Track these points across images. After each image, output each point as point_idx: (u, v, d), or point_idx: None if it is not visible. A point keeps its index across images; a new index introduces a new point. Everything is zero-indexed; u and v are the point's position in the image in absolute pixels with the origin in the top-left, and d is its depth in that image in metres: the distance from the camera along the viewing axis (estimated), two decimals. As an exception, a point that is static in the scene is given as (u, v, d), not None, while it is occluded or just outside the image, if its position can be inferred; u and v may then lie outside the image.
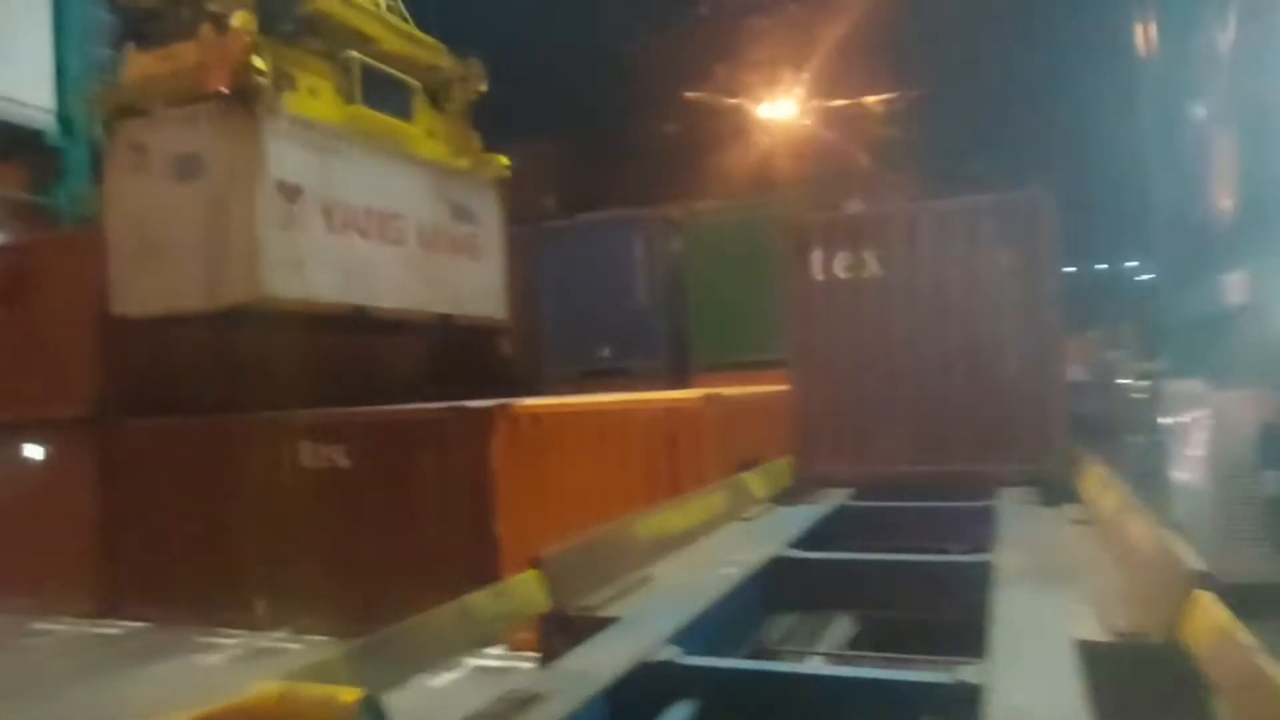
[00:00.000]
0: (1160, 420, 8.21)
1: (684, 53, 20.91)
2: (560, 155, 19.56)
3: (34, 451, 10.24)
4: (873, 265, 5.64)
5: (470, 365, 12.27)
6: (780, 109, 20.61)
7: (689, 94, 20.30)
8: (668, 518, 3.72)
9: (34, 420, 10.13)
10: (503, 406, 7.82)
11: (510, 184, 13.23)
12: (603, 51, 22.31)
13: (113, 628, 9.37)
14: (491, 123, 13.12)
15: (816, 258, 5.76)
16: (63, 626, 9.43)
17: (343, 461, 8.73)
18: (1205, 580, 2.13)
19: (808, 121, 20.73)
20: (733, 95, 20.69)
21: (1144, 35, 9.49)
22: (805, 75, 20.56)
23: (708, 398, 7.15)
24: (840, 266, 5.71)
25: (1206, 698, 2.00)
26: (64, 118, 14.39)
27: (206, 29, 9.04)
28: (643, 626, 2.54)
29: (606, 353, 12.81)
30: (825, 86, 20.69)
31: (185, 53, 9.21)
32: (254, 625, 8.84)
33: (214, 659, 8.11)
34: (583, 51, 22.28)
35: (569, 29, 22.55)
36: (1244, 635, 1.80)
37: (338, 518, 8.70)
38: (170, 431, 9.65)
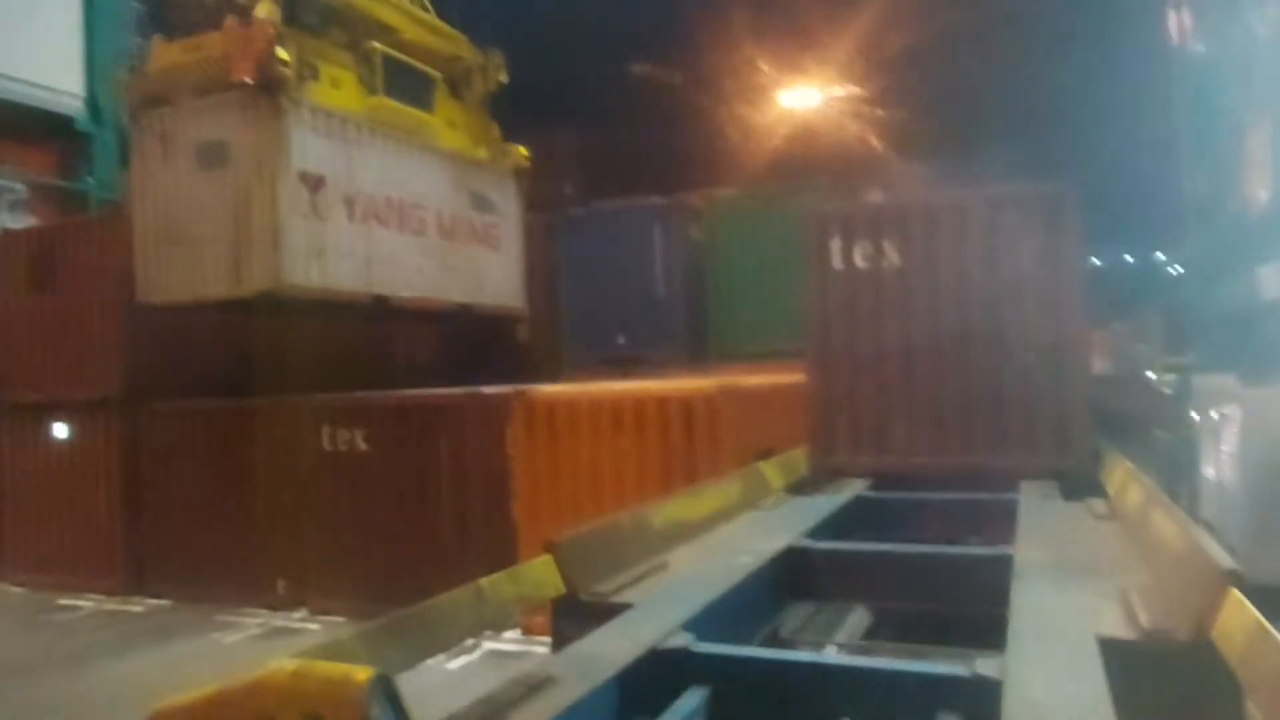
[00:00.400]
0: (1190, 416, 8.05)
1: (709, 40, 20.74)
2: (580, 142, 19.53)
3: (60, 431, 10.45)
4: (893, 256, 5.57)
5: (488, 352, 12.34)
6: (802, 97, 20.41)
7: (712, 81, 20.14)
8: (683, 505, 3.70)
9: (61, 401, 10.33)
10: (520, 392, 7.86)
11: (530, 171, 13.25)
12: (624, 39, 22.18)
13: (136, 605, 9.56)
14: (512, 109, 13.13)
15: (836, 248, 5.69)
16: (88, 603, 9.63)
17: (362, 445, 8.85)
18: (1236, 578, 2.07)
19: (829, 110, 20.51)
20: (754, 83, 20.51)
21: (1177, 23, 9.26)
22: (828, 64, 20.33)
23: (724, 387, 7.13)
24: (860, 257, 5.64)
25: (1236, 698, 1.95)
26: (93, 103, 14.59)
27: (231, 20, 9.16)
28: (656, 613, 2.52)
29: (624, 340, 12.81)
30: (848, 75, 20.45)
31: (210, 43, 9.36)
32: (274, 605, 8.99)
33: (234, 637, 8.25)
34: (604, 39, 22.16)
35: (590, 16, 22.43)
36: (1278, 636, 1.75)
37: (357, 500, 8.84)
38: (193, 413, 9.80)
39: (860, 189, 12.77)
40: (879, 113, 20.17)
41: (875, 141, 19.30)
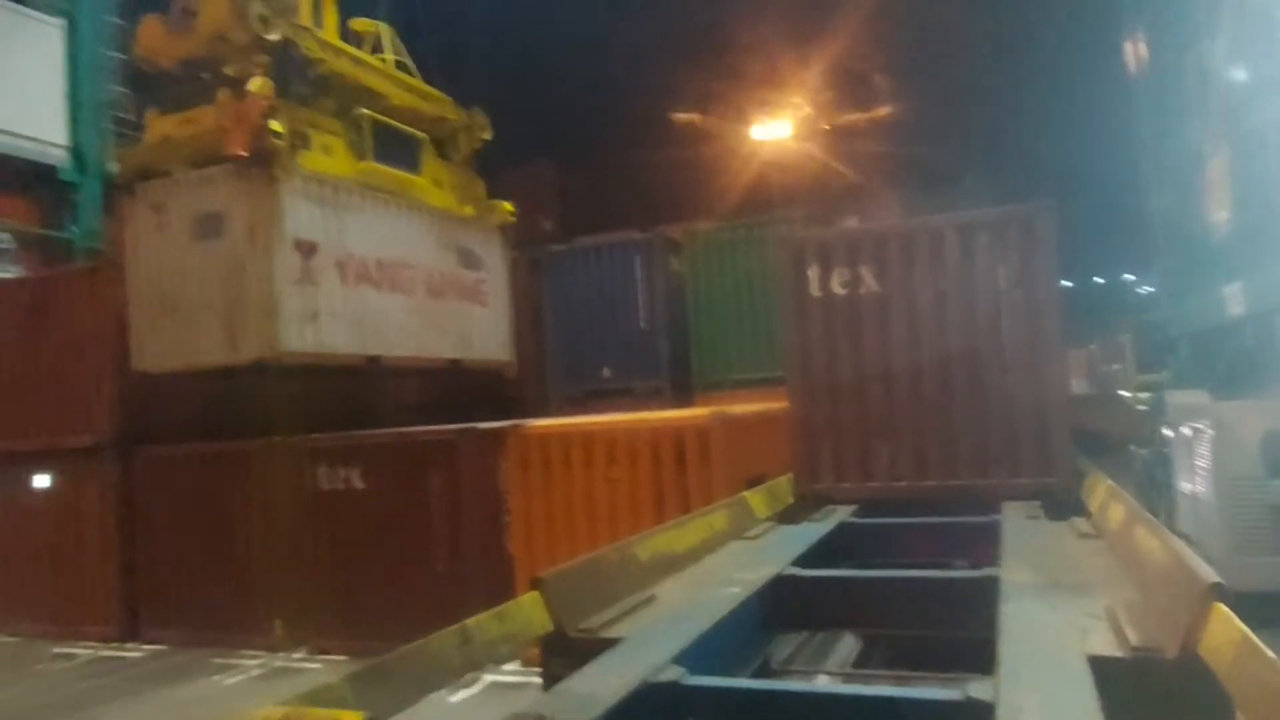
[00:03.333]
0: (1164, 432, 8.18)
1: (683, 74, 21.14)
2: (560, 177, 19.75)
3: (40, 481, 10.35)
4: (870, 282, 5.66)
5: (476, 393, 12.37)
6: (777, 129, 20.78)
7: (687, 115, 20.49)
8: (670, 537, 3.71)
9: (53, 449, 10.26)
10: (513, 427, 7.88)
11: (513, 216, 13.41)
12: (602, 74, 22.55)
13: (133, 652, 9.41)
14: (491, 146, 13.29)
15: (814, 275, 5.77)
16: (83, 651, 9.46)
17: (358, 483, 8.84)
18: (1221, 593, 2.09)
19: (805, 141, 20.89)
20: (731, 116, 20.88)
21: (1137, 53, 9.58)
22: (802, 95, 20.76)
23: (714, 415, 7.17)
24: (838, 283, 5.73)
25: (1227, 712, 1.97)
26: (77, 153, 14.62)
27: (225, 94, 9.34)
28: (646, 647, 2.52)
29: (609, 373, 12.85)
30: (822, 106, 20.88)
31: (204, 116, 9.55)
32: (272, 646, 8.89)
33: (235, 679, 8.12)
34: (582, 74, 22.52)
35: (569, 52, 22.82)
36: (1265, 650, 1.77)
37: (354, 538, 8.81)
38: (187, 458, 9.74)
39: (836, 218, 12.99)
40: (854, 143, 20.58)
41: (850, 172, 19.65)
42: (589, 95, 22.40)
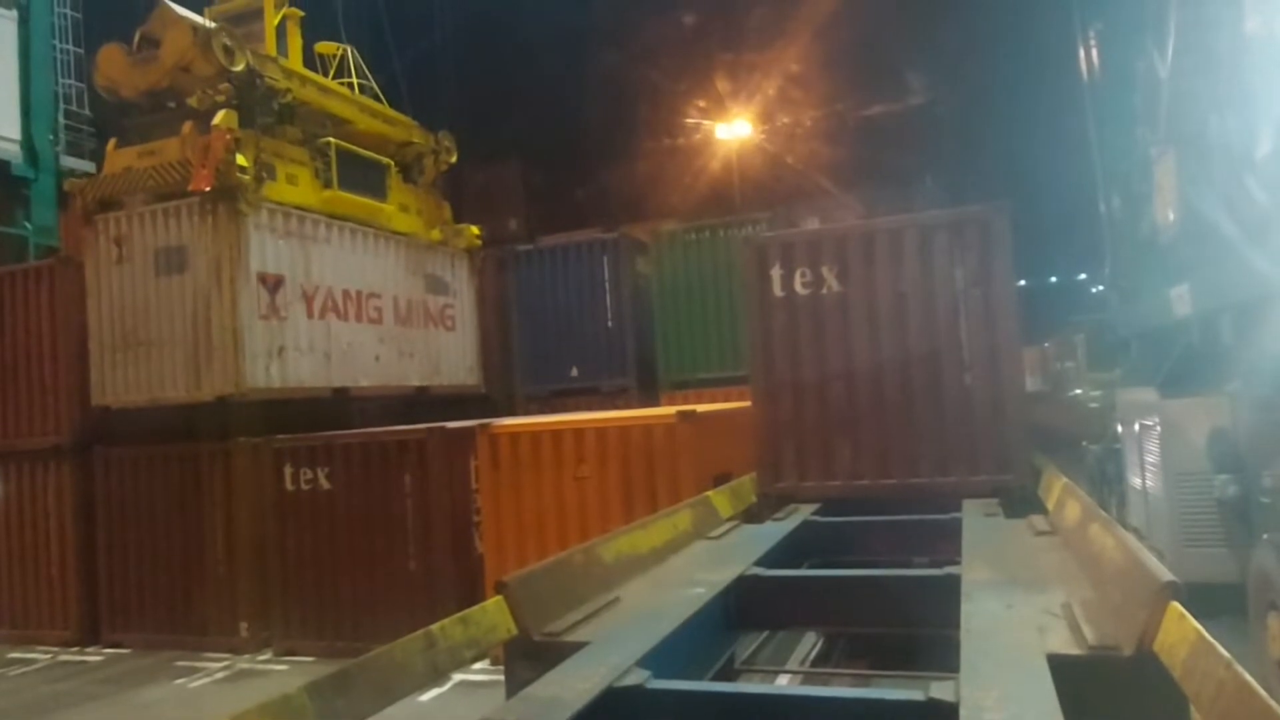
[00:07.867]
0: (1115, 428, 8.42)
1: (647, 75, 21.14)
2: (525, 176, 19.62)
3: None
4: (831, 281, 5.72)
5: (444, 395, 12.27)
6: (740, 130, 20.89)
7: (650, 115, 20.51)
8: (634, 538, 3.70)
9: (10, 450, 9.92)
10: (482, 426, 7.83)
11: (476, 206, 13.29)
12: (567, 73, 22.45)
13: (94, 656, 9.18)
14: (457, 146, 13.16)
15: (777, 275, 5.82)
16: (42, 656, 9.19)
17: (325, 483, 8.73)
18: (1175, 591, 2.13)
19: (767, 143, 21.04)
20: (695, 117, 20.95)
21: (1090, 59, 9.83)
22: (765, 98, 20.92)
23: (682, 414, 7.21)
24: (800, 283, 5.77)
25: (1182, 708, 2.01)
26: (29, 148, 14.11)
27: (189, 127, 9.08)
28: (610, 651, 2.51)
29: (576, 372, 12.82)
30: (785, 109, 21.06)
31: (167, 149, 9.27)
32: (237, 648, 8.74)
33: (200, 682, 7.98)
34: (547, 74, 22.39)
35: (533, 51, 22.67)
36: (1219, 647, 1.81)
37: (321, 539, 8.70)
38: (150, 458, 9.51)
39: (799, 218, 13.11)
40: (815, 145, 20.79)
41: (813, 173, 19.84)
42: (554, 95, 22.27)
